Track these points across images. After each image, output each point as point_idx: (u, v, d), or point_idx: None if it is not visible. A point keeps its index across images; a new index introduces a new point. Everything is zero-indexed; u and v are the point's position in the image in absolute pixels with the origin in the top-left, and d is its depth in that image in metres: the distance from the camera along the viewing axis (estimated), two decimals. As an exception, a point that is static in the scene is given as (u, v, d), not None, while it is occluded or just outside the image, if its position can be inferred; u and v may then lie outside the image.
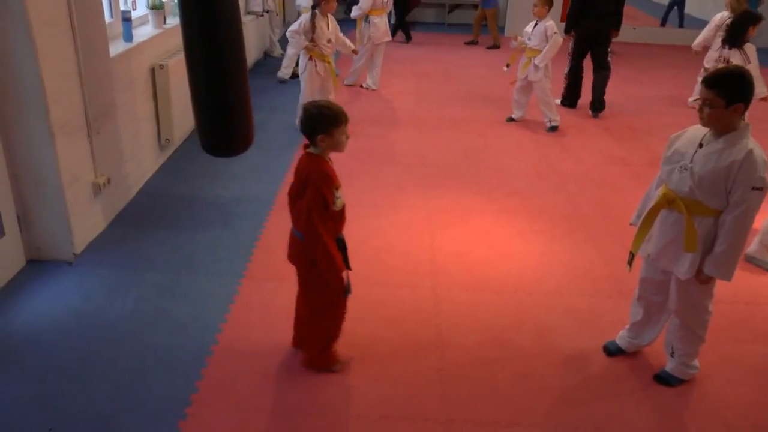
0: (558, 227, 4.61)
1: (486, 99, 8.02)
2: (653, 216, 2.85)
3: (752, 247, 4.16)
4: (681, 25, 13.14)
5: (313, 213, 2.64)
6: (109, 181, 4.22)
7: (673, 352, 3.04)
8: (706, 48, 7.51)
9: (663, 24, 13.56)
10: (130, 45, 4.79)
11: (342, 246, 2.83)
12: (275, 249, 4.11)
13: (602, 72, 7.34)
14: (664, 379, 3.07)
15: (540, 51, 6.47)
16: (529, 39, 6.59)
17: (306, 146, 2.75)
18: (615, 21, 7.24)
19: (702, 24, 8.71)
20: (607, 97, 7.45)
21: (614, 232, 4.54)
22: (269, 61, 9.09)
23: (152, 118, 5.24)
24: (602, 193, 5.28)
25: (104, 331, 3.27)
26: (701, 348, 3.03)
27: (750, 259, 4.16)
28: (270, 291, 3.67)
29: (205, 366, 3.04)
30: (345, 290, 2.83)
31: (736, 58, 5.99)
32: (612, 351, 3.25)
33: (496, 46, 11.31)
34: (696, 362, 3.06)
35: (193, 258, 3.99)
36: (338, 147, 2.71)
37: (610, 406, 2.93)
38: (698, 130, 2.72)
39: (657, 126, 7.20)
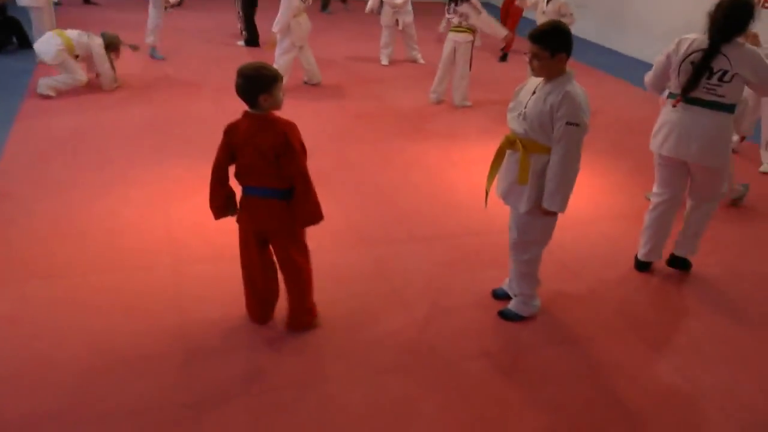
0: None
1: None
2: (499, 157, 3.12)
3: None
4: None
5: (305, 164, 2.77)
6: None
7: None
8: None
9: None
10: None
11: None
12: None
13: None
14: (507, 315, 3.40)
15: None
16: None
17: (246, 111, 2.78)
18: None
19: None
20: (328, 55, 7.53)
21: (353, 183, 4.71)
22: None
23: None
24: (340, 146, 5.43)
25: None
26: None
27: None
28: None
29: None
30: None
31: (467, 10, 6.35)
32: None
33: None
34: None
35: None
36: (278, 105, 2.76)
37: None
38: (535, 80, 2.99)
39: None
